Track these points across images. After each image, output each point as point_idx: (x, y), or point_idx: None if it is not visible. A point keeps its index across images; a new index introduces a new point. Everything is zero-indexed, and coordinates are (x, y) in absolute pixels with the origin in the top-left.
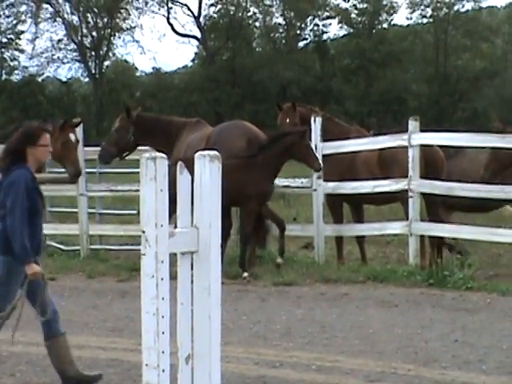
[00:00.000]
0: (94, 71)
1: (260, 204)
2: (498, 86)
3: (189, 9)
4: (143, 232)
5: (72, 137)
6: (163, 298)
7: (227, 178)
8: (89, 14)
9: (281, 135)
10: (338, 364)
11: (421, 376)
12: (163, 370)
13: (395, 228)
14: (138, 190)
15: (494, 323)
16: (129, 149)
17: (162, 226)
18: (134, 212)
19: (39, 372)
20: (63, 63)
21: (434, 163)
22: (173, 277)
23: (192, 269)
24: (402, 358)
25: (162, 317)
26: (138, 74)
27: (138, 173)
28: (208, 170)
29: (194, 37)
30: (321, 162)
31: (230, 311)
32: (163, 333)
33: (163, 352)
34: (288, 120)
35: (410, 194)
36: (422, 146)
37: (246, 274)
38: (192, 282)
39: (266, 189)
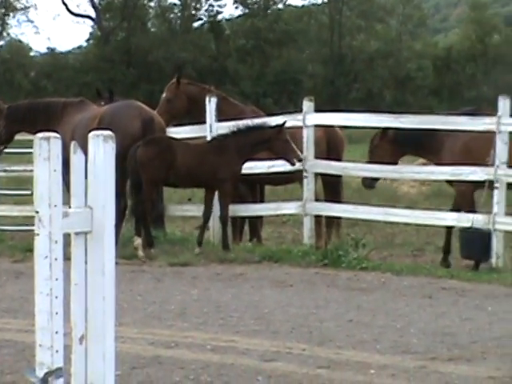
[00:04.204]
0: None
1: (234, 186)
2: (392, 67)
3: None
4: (37, 212)
5: None
6: (57, 279)
7: (198, 160)
8: None
9: (259, 126)
10: (233, 344)
11: (315, 356)
12: (57, 351)
13: (290, 208)
14: (32, 171)
15: (388, 303)
16: (2, 142)
17: (55, 206)
18: (29, 192)
19: None
20: None
21: (334, 144)
22: (67, 257)
23: (86, 249)
24: (296, 337)
25: (56, 297)
26: (32, 54)
27: (32, 153)
28: (102, 150)
29: (89, 17)
30: (300, 153)
31: (125, 292)
32: (57, 313)
33: (57, 332)
34: (164, 95)
35: (304, 174)
36: (323, 126)
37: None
38: (86, 262)
39: (237, 171)
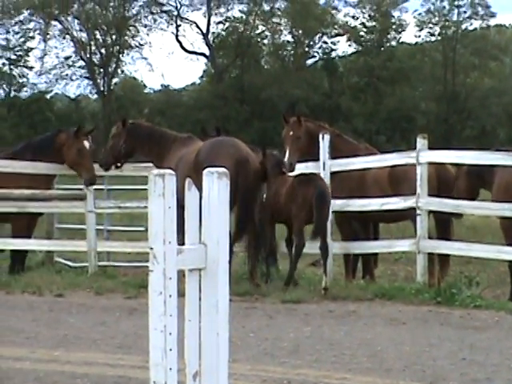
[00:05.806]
0: (102, 88)
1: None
2: (507, 104)
3: (197, 26)
4: (151, 249)
5: (86, 144)
6: (171, 315)
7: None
8: (97, 31)
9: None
10: (345, 381)
11: None
12: None
13: (403, 245)
14: (146, 207)
15: (502, 341)
16: (121, 157)
17: (170, 242)
18: (142, 229)
19: None
20: (72, 80)
21: (445, 181)
22: (181, 294)
23: (200, 286)
24: (409, 375)
25: (170, 334)
26: (146, 90)
27: (146, 189)
28: (216, 187)
29: (203, 54)
30: None
31: (238, 328)
32: (171, 350)
33: (171, 369)
34: (292, 133)
35: (417, 211)
36: (434, 164)
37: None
38: (200, 298)
39: None
